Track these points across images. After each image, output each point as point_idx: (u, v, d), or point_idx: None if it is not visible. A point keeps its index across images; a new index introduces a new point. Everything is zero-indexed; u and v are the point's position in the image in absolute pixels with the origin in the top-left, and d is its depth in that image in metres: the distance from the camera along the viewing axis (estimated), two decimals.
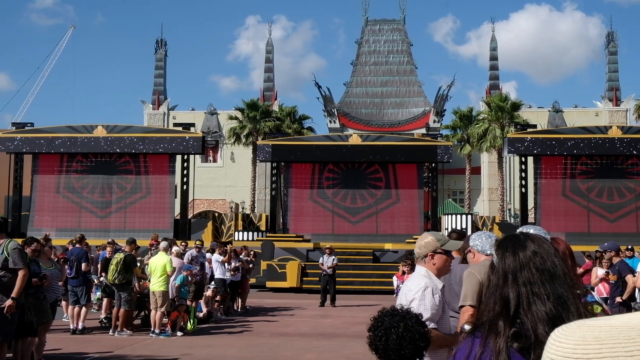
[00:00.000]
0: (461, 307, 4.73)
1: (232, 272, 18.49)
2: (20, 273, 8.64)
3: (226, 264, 18.41)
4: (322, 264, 21.47)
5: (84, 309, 14.44)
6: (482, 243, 5.12)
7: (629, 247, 19.14)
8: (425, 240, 4.58)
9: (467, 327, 4.20)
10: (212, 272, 17.87)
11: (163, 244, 15.08)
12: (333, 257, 21.56)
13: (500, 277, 2.05)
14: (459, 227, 28.14)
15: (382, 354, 2.70)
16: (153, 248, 17.58)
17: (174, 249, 15.55)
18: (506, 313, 1.98)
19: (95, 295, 17.56)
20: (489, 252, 4.96)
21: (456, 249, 5.14)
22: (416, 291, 4.36)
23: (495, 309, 2.01)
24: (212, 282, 17.62)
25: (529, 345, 1.91)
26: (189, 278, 15.35)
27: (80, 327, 14.21)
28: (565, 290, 1.99)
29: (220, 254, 18.32)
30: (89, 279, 15.55)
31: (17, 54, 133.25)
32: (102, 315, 15.60)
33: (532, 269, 2.02)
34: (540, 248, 2.06)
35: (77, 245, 15.34)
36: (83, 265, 14.82)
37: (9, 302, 8.44)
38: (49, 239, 14.91)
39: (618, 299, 11.50)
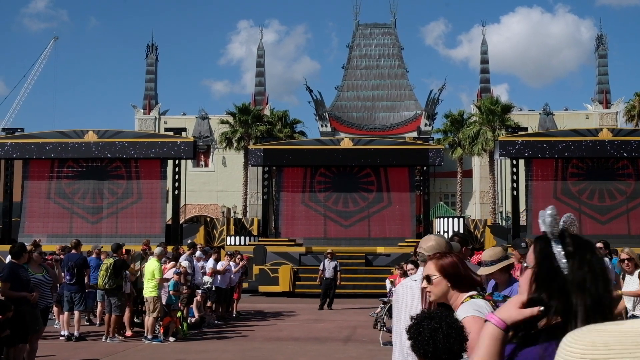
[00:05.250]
0: None
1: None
2: None
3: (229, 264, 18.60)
4: (322, 271, 21.52)
5: (77, 315, 14.24)
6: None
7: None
8: (433, 244, 4.32)
9: None
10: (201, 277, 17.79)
11: (157, 250, 14.97)
12: (335, 262, 21.58)
13: (572, 282, 1.97)
14: (450, 231, 28.22)
15: (432, 356, 2.75)
16: (143, 254, 17.47)
17: (156, 250, 15.16)
18: (570, 320, 1.92)
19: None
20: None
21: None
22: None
23: (558, 313, 1.95)
24: (203, 285, 17.55)
25: None
26: (179, 282, 15.26)
27: (76, 334, 14.04)
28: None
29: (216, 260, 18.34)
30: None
31: (10, 58, 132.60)
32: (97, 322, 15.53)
33: (595, 277, 1.96)
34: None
35: (74, 251, 14.95)
36: (86, 272, 14.72)
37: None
38: (38, 244, 14.25)
39: None
